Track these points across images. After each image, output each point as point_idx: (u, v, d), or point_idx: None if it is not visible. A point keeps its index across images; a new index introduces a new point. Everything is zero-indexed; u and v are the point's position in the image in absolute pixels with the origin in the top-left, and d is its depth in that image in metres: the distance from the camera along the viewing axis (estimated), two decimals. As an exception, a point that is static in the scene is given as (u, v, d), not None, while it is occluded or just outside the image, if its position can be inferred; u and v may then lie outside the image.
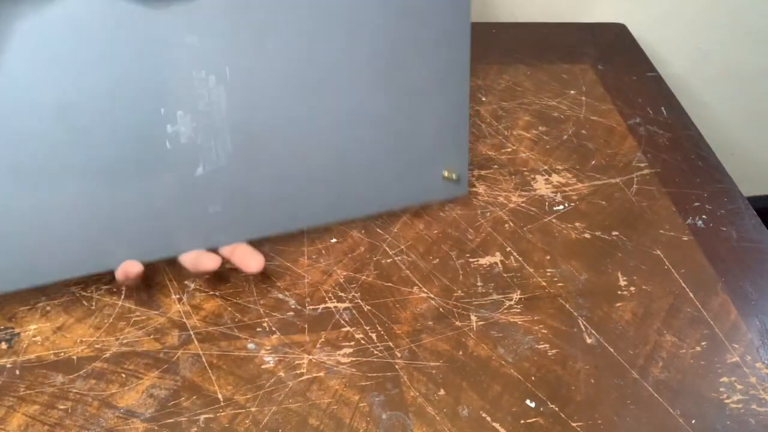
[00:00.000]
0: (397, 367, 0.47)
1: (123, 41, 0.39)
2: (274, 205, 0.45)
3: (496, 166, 0.62)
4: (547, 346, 0.50)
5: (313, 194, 0.46)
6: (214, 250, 0.46)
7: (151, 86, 0.40)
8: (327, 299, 0.50)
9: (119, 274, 0.43)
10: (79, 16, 0.38)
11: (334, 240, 0.53)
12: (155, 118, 0.41)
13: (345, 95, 0.46)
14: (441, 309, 0.50)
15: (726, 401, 0.48)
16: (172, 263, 0.46)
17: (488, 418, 0.45)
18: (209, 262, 0.44)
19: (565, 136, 0.66)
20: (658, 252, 0.58)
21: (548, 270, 0.55)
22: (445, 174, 0.50)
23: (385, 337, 0.48)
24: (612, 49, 0.80)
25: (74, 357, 0.44)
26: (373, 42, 0.47)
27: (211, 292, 0.48)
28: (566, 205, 0.60)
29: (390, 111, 0.48)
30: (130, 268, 0.43)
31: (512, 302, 0.52)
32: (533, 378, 0.48)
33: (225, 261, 0.46)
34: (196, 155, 0.42)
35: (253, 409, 0.43)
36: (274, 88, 0.44)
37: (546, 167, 0.63)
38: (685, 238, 0.59)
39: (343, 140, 0.47)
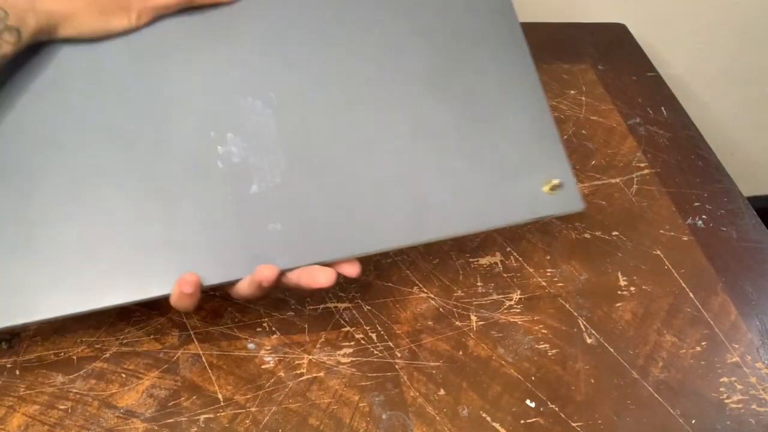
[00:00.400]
0: (397, 367, 0.47)
1: (174, 74, 0.43)
2: (342, 226, 0.42)
3: (496, 166, 0.62)
4: (547, 346, 0.50)
5: (386, 214, 0.43)
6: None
7: (200, 111, 0.42)
8: (327, 299, 0.50)
9: (175, 292, 0.40)
10: (138, 51, 0.43)
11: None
12: (206, 140, 0.42)
13: (400, 110, 0.45)
14: (441, 309, 0.50)
15: (726, 401, 0.48)
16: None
17: (488, 418, 0.45)
18: (264, 272, 0.39)
19: (565, 136, 0.66)
20: (658, 252, 0.58)
21: (548, 270, 0.54)
22: (545, 187, 0.45)
23: (385, 337, 0.48)
24: (612, 49, 0.80)
25: (74, 357, 0.44)
26: (420, 55, 0.47)
27: (211, 292, 0.48)
28: (566, 205, 0.60)
29: (455, 124, 0.46)
30: (187, 281, 0.39)
31: (512, 302, 0.52)
32: (533, 378, 0.48)
33: (291, 287, 0.42)
34: (249, 174, 0.42)
35: (253, 409, 0.43)
36: (322, 108, 0.44)
37: (546, 167, 0.63)
38: (685, 238, 0.59)
39: (408, 157, 0.45)
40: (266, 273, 0.39)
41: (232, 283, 0.41)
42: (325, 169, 0.43)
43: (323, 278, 0.40)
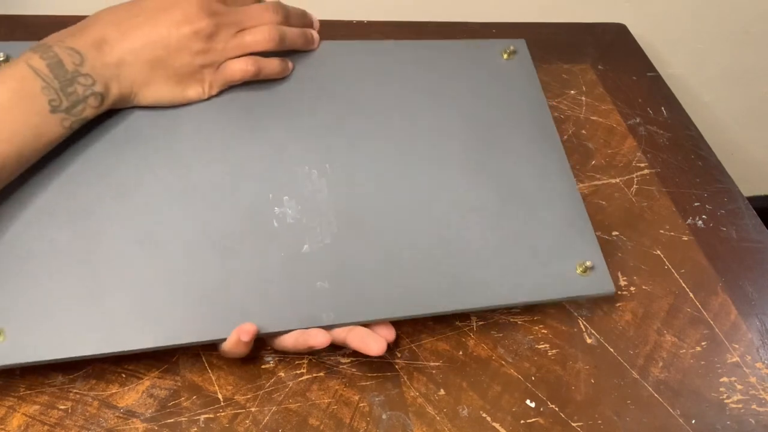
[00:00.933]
0: (397, 367, 0.47)
1: (240, 139, 0.47)
2: (384, 289, 0.45)
3: (496, 166, 0.62)
4: (547, 346, 0.50)
5: (425, 282, 0.46)
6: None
7: (261, 176, 0.46)
8: (327, 299, 0.50)
9: (228, 345, 0.42)
10: (208, 118, 0.47)
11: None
12: (264, 201, 0.46)
13: (443, 187, 0.49)
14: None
15: (726, 401, 0.48)
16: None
17: (488, 418, 0.45)
18: (318, 338, 0.42)
19: (565, 136, 0.66)
20: (658, 252, 0.58)
21: (548, 270, 0.54)
22: (579, 269, 0.48)
23: (385, 337, 0.48)
24: (612, 49, 0.80)
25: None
26: (464, 139, 0.52)
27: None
28: (566, 205, 0.60)
29: (495, 204, 0.50)
30: (246, 330, 0.41)
31: (512, 302, 0.52)
32: (533, 378, 0.48)
33: (339, 344, 0.44)
34: (301, 234, 0.45)
35: (253, 409, 0.43)
36: (373, 181, 0.48)
37: (546, 167, 0.63)
38: (685, 238, 0.59)
39: (448, 230, 0.48)
40: (320, 339, 0.42)
41: (279, 334, 0.43)
42: (371, 235, 0.46)
43: (375, 347, 0.43)
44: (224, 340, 0.42)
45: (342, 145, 0.49)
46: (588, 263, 0.48)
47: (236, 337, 0.41)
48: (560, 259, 0.49)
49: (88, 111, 0.42)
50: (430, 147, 0.51)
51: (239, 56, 0.47)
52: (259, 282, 0.43)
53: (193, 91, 0.47)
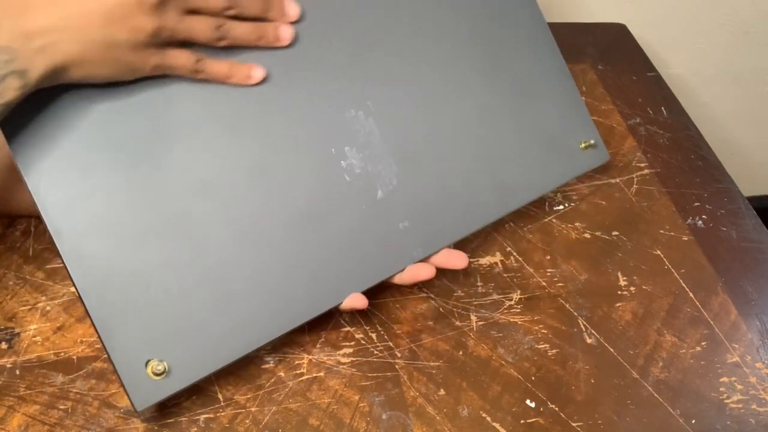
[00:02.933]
0: (397, 367, 0.47)
1: (286, 107, 0.46)
2: (452, 211, 0.49)
3: (496, 166, 0.62)
4: (547, 346, 0.50)
5: (476, 195, 0.50)
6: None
7: (317, 133, 0.46)
8: (327, 299, 0.50)
9: (346, 308, 0.45)
10: (260, 98, 0.45)
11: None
12: (330, 158, 0.46)
13: (466, 101, 0.52)
14: (441, 309, 0.50)
15: (726, 401, 0.48)
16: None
17: (488, 418, 0.45)
18: (425, 272, 0.47)
19: (565, 136, 0.66)
20: (658, 252, 0.58)
21: (548, 270, 0.55)
22: (582, 145, 0.56)
23: (385, 337, 0.48)
24: (612, 49, 0.80)
25: (74, 357, 0.44)
26: (475, 52, 0.53)
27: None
28: (566, 205, 0.60)
29: (509, 107, 0.53)
30: (357, 303, 0.45)
31: (512, 302, 0.52)
32: (533, 378, 0.48)
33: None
34: (372, 182, 0.47)
35: (253, 409, 0.43)
36: (409, 109, 0.49)
37: (546, 167, 0.63)
38: (685, 238, 0.59)
39: (481, 142, 0.52)
40: (425, 274, 0.47)
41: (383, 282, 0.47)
42: (425, 165, 0.49)
43: (460, 261, 0.48)
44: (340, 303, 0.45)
45: (371, 79, 0.49)
46: (591, 141, 0.57)
47: (351, 305, 0.45)
48: (569, 142, 0.56)
49: (9, 94, 0.35)
50: (447, 65, 0.52)
51: (182, 42, 0.41)
52: (354, 240, 0.45)
53: (131, 72, 0.40)
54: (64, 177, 0.39)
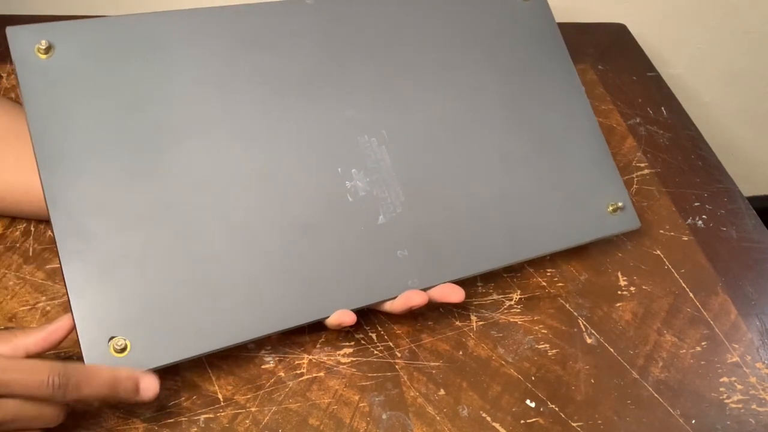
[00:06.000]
0: (397, 367, 0.47)
1: (299, 122, 0.47)
2: (456, 248, 0.48)
3: (496, 166, 0.62)
4: (547, 346, 0.50)
5: (487, 238, 0.49)
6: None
7: (326, 152, 0.47)
8: (327, 299, 0.50)
9: (333, 323, 0.44)
10: (266, 108, 0.47)
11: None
12: (335, 177, 0.47)
13: (488, 142, 0.52)
14: (441, 309, 0.50)
15: (726, 401, 0.48)
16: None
17: (488, 418, 0.45)
18: (417, 298, 0.45)
19: (565, 136, 0.66)
20: (658, 252, 0.58)
21: (548, 270, 0.55)
22: (610, 208, 0.54)
23: (385, 337, 0.48)
24: (612, 49, 0.80)
25: (75, 357, 0.44)
26: (500, 92, 0.54)
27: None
28: (566, 205, 0.60)
29: (532, 155, 0.53)
30: (345, 319, 0.44)
31: (512, 302, 0.52)
32: (533, 378, 0.48)
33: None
34: (375, 206, 0.47)
35: (253, 409, 0.43)
36: (426, 142, 0.50)
37: (546, 167, 0.63)
38: (685, 238, 0.59)
39: (498, 184, 0.51)
40: (417, 300, 0.45)
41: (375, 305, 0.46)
42: (435, 198, 0.49)
43: (455, 296, 0.46)
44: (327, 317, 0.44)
45: (391, 108, 0.49)
46: (619, 204, 0.54)
47: (338, 320, 0.44)
48: (595, 201, 0.54)
49: None
50: (469, 102, 0.52)
51: None
52: (347, 258, 0.45)
53: None
54: (72, 159, 0.41)
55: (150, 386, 0.39)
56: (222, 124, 0.45)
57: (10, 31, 0.43)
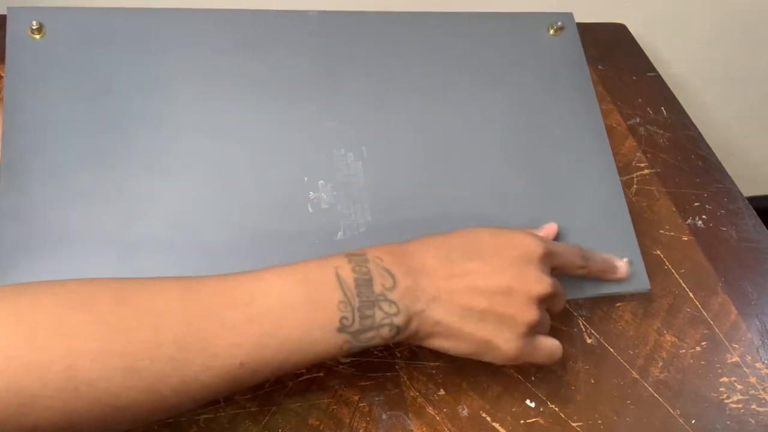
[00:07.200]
0: (397, 367, 0.47)
1: (275, 120, 0.46)
2: None
3: (496, 166, 0.62)
4: (547, 346, 0.49)
5: None
6: None
7: (295, 158, 0.46)
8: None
9: None
10: (243, 106, 0.46)
11: (334, 240, 0.53)
12: (299, 185, 0.45)
13: (480, 175, 0.48)
14: (441, 309, 0.50)
15: (726, 401, 0.48)
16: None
17: (488, 418, 0.45)
18: None
19: (565, 136, 0.66)
20: (658, 252, 0.58)
21: (548, 270, 0.54)
22: None
23: (385, 337, 0.48)
24: (612, 49, 0.80)
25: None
26: (504, 123, 0.50)
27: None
28: (566, 205, 0.60)
29: (532, 197, 0.49)
30: None
31: (512, 302, 0.52)
32: (533, 378, 0.48)
33: None
34: (336, 221, 0.45)
35: (253, 409, 0.43)
36: (409, 167, 0.47)
37: (546, 167, 0.63)
38: (685, 238, 0.59)
39: (485, 222, 0.46)
40: None
41: None
42: (406, 225, 0.46)
43: None
44: None
45: (378, 127, 0.48)
46: (626, 260, 0.49)
47: None
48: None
49: (376, 340, 0.37)
50: (472, 132, 0.49)
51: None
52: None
53: (491, 355, 0.40)
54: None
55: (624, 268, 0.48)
56: (194, 117, 0.45)
57: (11, 11, 0.44)
